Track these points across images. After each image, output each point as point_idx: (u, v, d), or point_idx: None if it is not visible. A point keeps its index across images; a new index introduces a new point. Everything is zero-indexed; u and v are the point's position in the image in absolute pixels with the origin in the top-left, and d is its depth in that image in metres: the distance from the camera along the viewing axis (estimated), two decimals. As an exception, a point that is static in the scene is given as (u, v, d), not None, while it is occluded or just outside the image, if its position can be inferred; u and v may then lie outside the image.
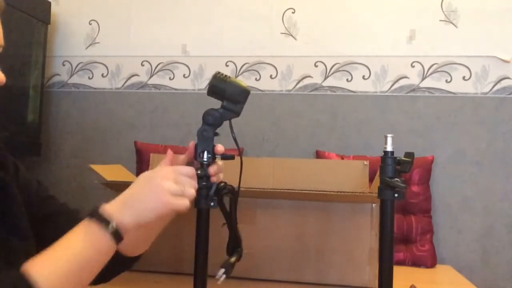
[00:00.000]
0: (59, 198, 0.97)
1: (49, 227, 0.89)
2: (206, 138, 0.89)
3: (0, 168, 0.84)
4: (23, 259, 0.78)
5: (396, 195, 0.93)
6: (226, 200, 0.94)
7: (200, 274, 0.90)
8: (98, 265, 0.76)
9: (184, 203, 0.79)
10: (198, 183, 0.87)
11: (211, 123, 0.89)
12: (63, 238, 0.75)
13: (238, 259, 0.93)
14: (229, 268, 0.90)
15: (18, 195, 0.84)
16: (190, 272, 0.94)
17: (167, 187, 0.78)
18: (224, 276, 0.89)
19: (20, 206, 0.84)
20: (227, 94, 0.89)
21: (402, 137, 2.19)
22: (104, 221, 0.75)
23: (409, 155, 0.94)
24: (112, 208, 0.77)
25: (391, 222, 0.94)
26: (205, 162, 0.88)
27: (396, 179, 0.92)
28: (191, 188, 0.81)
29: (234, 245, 0.93)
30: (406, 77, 2.24)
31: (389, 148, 0.94)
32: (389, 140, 0.95)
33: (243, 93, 0.90)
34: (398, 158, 0.94)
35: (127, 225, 0.76)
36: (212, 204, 0.89)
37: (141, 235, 0.91)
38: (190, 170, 0.84)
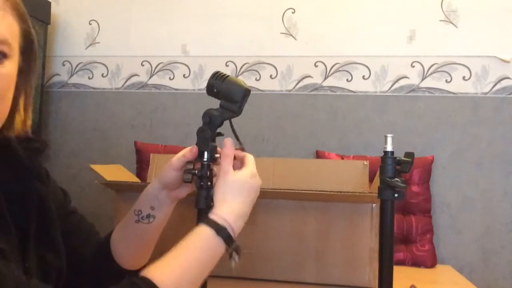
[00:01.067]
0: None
1: (68, 243, 0.88)
2: (204, 138, 0.88)
3: (38, 179, 0.82)
4: (56, 276, 0.79)
5: (396, 195, 0.93)
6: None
7: None
8: (210, 270, 0.78)
9: None
10: (198, 183, 0.87)
11: (208, 123, 0.88)
12: (184, 244, 0.76)
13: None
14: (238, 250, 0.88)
15: (53, 208, 0.83)
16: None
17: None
18: (237, 257, 0.87)
19: (55, 221, 0.83)
20: (223, 93, 0.88)
21: (402, 137, 2.19)
22: (227, 239, 0.78)
23: (409, 155, 0.94)
24: (232, 223, 0.80)
25: (391, 222, 0.94)
26: (205, 162, 0.88)
27: (396, 179, 0.92)
28: None
29: None
30: (406, 77, 2.24)
31: (389, 148, 0.94)
32: (389, 140, 0.95)
33: (240, 92, 0.88)
34: (398, 158, 0.94)
35: (237, 233, 0.81)
36: (212, 204, 0.88)
37: (143, 250, 0.91)
38: None
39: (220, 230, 0.78)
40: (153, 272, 0.70)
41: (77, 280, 0.88)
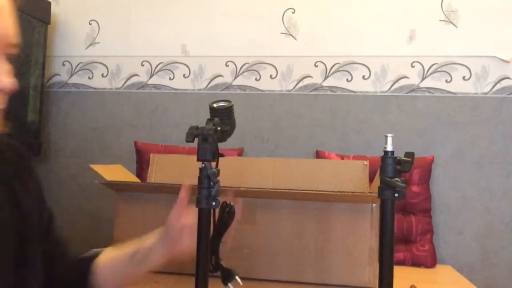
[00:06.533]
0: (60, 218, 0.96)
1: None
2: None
3: (25, 193, 0.80)
4: None
5: (396, 195, 0.93)
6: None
7: (202, 275, 0.89)
8: None
9: None
10: (200, 182, 0.86)
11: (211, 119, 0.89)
12: None
13: None
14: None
15: (36, 224, 0.82)
16: (190, 272, 0.94)
17: None
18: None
19: (36, 237, 0.82)
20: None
21: (402, 137, 2.19)
22: None
23: (409, 155, 0.94)
24: None
25: (391, 222, 0.94)
26: (206, 162, 0.87)
27: (396, 179, 0.91)
28: None
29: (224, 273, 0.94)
30: (406, 77, 2.24)
31: (389, 148, 0.94)
32: (389, 140, 0.95)
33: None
34: (398, 158, 0.94)
35: None
36: (213, 204, 0.88)
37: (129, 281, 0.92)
38: None
39: None
40: None
41: None
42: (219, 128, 0.90)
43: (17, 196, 0.79)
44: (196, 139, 0.89)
